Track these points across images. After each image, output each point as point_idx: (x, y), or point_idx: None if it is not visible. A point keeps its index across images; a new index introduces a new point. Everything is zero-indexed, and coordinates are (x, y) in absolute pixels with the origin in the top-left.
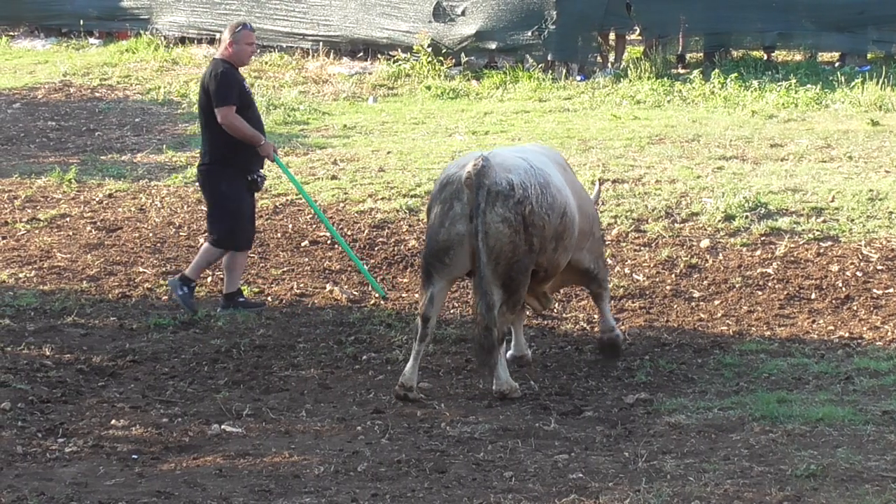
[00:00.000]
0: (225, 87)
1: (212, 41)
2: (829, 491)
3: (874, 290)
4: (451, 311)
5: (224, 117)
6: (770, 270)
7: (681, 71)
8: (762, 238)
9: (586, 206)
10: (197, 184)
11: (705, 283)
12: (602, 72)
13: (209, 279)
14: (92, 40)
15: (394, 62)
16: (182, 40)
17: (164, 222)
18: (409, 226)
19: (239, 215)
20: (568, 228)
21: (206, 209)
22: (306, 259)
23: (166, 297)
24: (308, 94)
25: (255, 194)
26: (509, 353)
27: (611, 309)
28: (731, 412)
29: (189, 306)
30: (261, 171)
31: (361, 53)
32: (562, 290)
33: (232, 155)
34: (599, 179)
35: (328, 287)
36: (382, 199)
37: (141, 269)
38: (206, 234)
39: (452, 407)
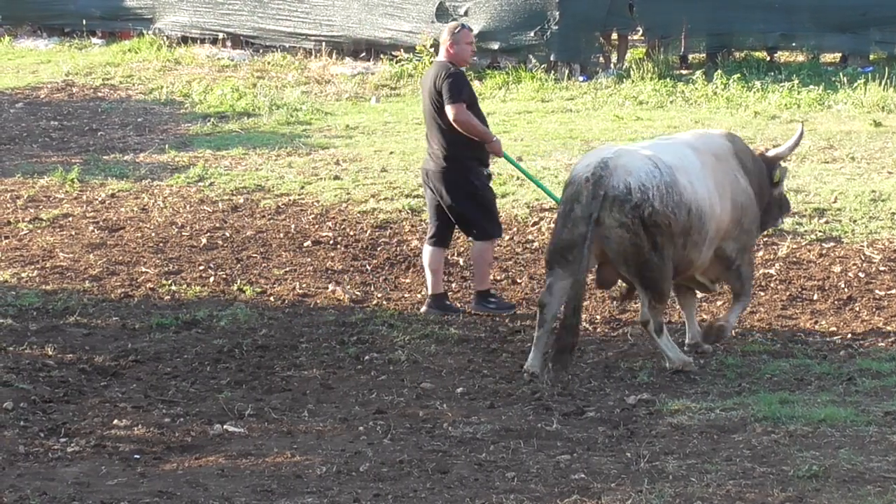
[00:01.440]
0: (457, 85)
1: (214, 41)
2: (832, 492)
3: (876, 291)
4: (454, 312)
5: (457, 114)
6: (772, 271)
7: (683, 72)
8: (764, 239)
9: (738, 198)
10: (429, 183)
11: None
12: (605, 72)
13: (211, 279)
14: (94, 40)
15: (396, 62)
16: (184, 40)
17: (167, 222)
18: (412, 226)
19: (493, 204)
20: (695, 225)
21: (457, 212)
22: (309, 259)
23: (168, 297)
24: (311, 95)
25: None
26: (687, 341)
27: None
28: (733, 413)
29: (506, 308)
30: (488, 170)
31: (364, 54)
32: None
33: (468, 151)
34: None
35: (330, 287)
36: (385, 199)
37: (143, 269)
38: (471, 235)
39: (455, 407)
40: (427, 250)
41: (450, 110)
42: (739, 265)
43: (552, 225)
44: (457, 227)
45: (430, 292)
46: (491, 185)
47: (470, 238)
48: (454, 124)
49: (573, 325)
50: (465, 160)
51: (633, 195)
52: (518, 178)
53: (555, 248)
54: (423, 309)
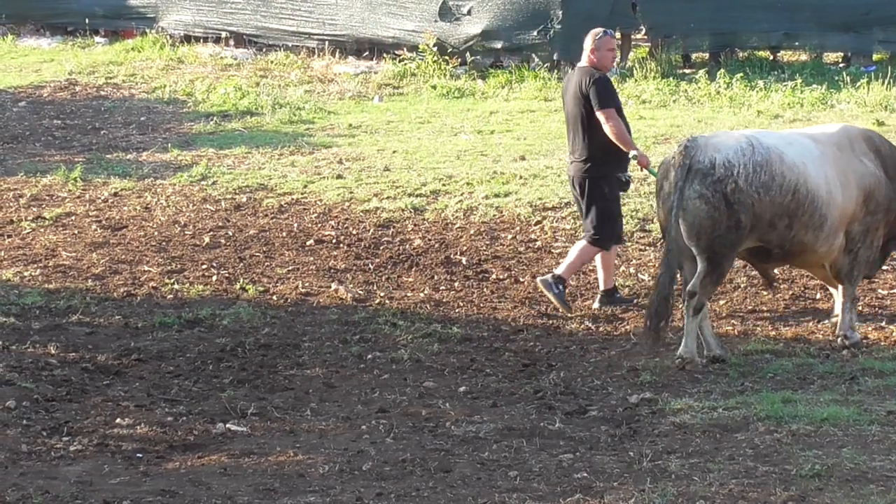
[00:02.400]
0: (606, 91)
1: (217, 40)
2: (834, 491)
3: (879, 291)
4: (457, 311)
5: (608, 119)
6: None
7: (686, 71)
8: None
9: (865, 181)
10: (574, 184)
11: None
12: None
13: (214, 278)
14: (97, 39)
15: (399, 61)
16: (188, 39)
17: (170, 221)
18: (415, 225)
19: (617, 215)
20: (803, 205)
21: (585, 209)
22: (311, 258)
23: (171, 296)
24: (313, 94)
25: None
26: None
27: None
28: (735, 412)
29: (564, 304)
30: (629, 171)
31: (367, 53)
32: (565, 290)
33: (608, 155)
34: None
35: (333, 286)
36: (388, 198)
37: (146, 268)
38: (585, 232)
39: (457, 406)
40: (580, 244)
41: (601, 115)
42: (859, 248)
43: (555, 224)
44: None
45: (602, 288)
46: (623, 192)
47: (582, 236)
48: (606, 129)
49: (664, 297)
50: (603, 164)
51: (717, 170)
52: (521, 178)
53: (660, 227)
54: (595, 305)
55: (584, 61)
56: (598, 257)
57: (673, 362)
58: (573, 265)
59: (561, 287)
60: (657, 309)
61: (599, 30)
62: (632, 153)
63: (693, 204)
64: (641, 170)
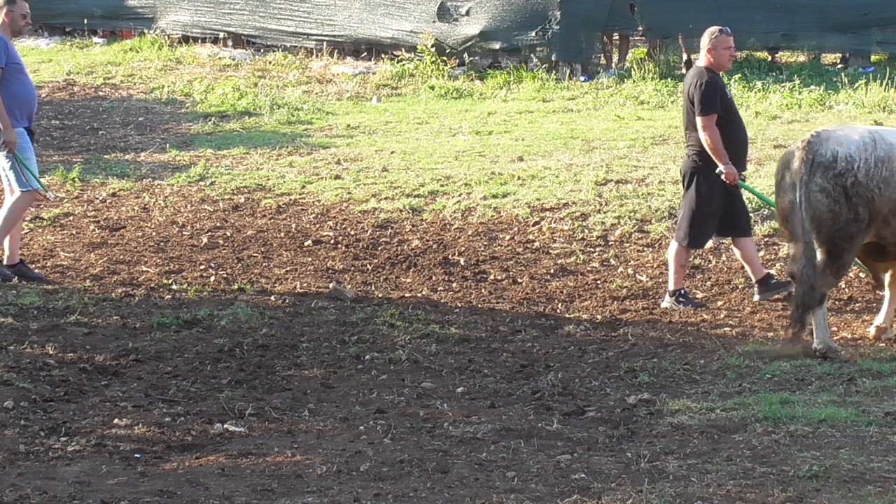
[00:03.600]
0: (708, 96)
1: (215, 40)
2: (832, 492)
3: (877, 291)
4: (455, 312)
5: (704, 127)
6: (773, 271)
7: (684, 71)
8: (765, 239)
9: None
10: (682, 177)
11: (708, 283)
12: (606, 72)
13: (212, 278)
14: (96, 39)
15: (397, 62)
16: (186, 39)
17: (168, 221)
18: (413, 225)
19: (709, 217)
20: None
21: (683, 205)
22: (309, 258)
23: (169, 297)
24: (312, 94)
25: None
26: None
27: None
28: (733, 413)
29: (698, 306)
30: (743, 172)
31: (365, 53)
32: (563, 291)
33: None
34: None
35: (331, 286)
36: (386, 198)
37: (144, 268)
38: (675, 232)
39: (455, 407)
40: (735, 243)
41: (700, 121)
42: None
43: (554, 225)
44: None
45: (754, 280)
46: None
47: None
48: (701, 135)
49: (810, 286)
50: (711, 163)
51: (839, 164)
52: (519, 178)
53: (779, 218)
54: (756, 297)
55: (701, 60)
56: (670, 255)
57: (814, 356)
58: (677, 273)
59: (682, 298)
60: (803, 299)
61: (716, 28)
62: (720, 167)
63: (815, 197)
64: (730, 184)
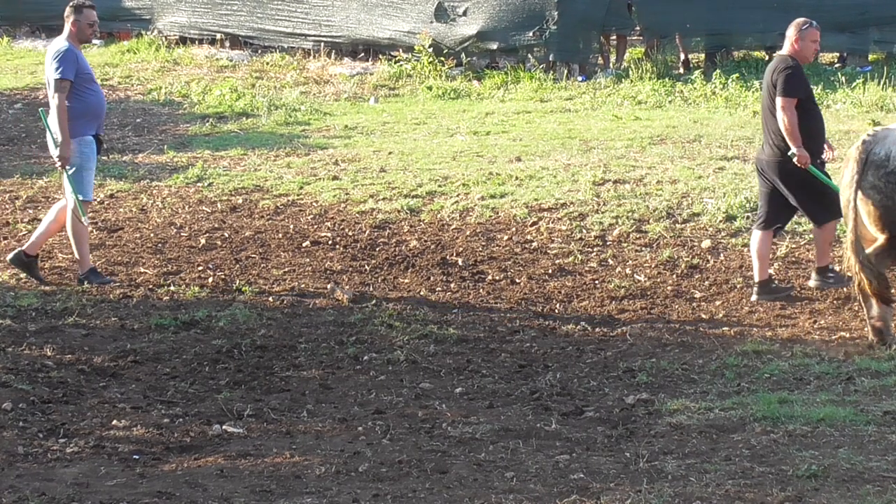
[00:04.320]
0: (791, 80)
1: (213, 41)
2: (831, 491)
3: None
4: (453, 313)
5: (784, 108)
6: (771, 271)
7: (682, 71)
8: None
9: None
10: (764, 171)
11: (706, 283)
12: (603, 72)
13: (210, 279)
14: (93, 41)
15: (395, 62)
16: (183, 40)
17: (166, 223)
18: (411, 226)
19: (824, 189)
20: None
21: (795, 200)
22: (307, 259)
23: (167, 298)
24: (309, 95)
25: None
26: None
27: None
28: (732, 413)
29: (843, 282)
30: (823, 156)
31: (363, 54)
32: (561, 291)
33: (804, 143)
34: None
35: (329, 287)
36: (384, 199)
37: (142, 270)
38: (809, 219)
39: (454, 407)
40: (755, 235)
41: (779, 102)
42: None
43: (552, 225)
44: None
45: (756, 279)
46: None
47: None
48: (778, 115)
49: (880, 274)
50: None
51: (891, 163)
52: (516, 179)
53: (843, 210)
54: (753, 297)
55: (784, 49)
56: (753, 245)
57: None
58: (823, 251)
59: (830, 274)
60: (879, 284)
61: (804, 20)
62: (793, 149)
63: (868, 194)
64: (802, 167)
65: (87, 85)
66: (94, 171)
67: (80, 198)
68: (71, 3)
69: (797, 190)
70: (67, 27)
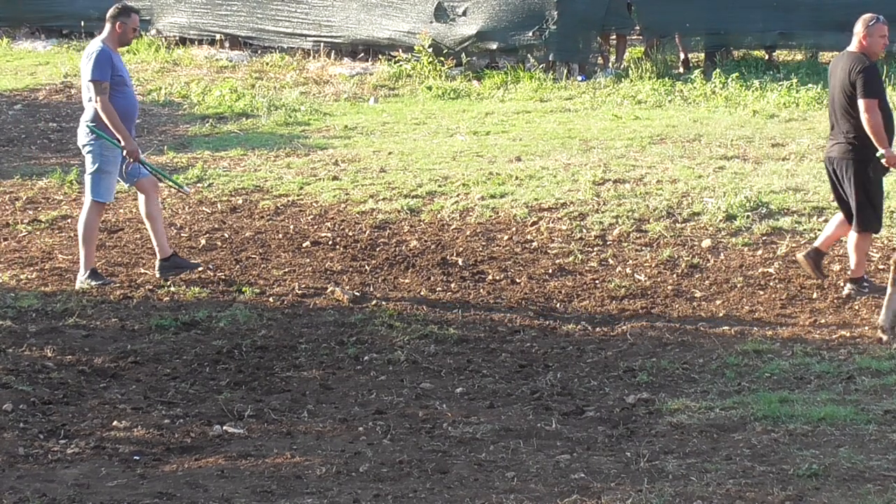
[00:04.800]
0: (872, 80)
1: (212, 42)
2: (832, 490)
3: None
4: (453, 312)
5: (868, 109)
6: (772, 270)
7: (682, 71)
8: (764, 238)
9: None
10: (834, 167)
11: (707, 282)
12: (603, 72)
13: (211, 280)
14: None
15: (395, 63)
16: (183, 41)
17: (166, 223)
18: (411, 226)
19: (879, 199)
20: None
21: (849, 197)
22: (308, 260)
23: (167, 298)
24: (309, 95)
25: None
26: None
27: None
28: (732, 412)
29: (876, 291)
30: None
31: (362, 54)
32: (562, 291)
33: (871, 143)
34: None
35: (330, 288)
36: (384, 199)
37: (142, 271)
38: (851, 223)
39: (454, 407)
40: (852, 236)
41: (862, 104)
42: None
43: (552, 224)
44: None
45: (854, 275)
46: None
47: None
48: (863, 119)
49: None
50: (870, 149)
51: None
52: (516, 178)
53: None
54: (845, 291)
55: (853, 46)
56: (850, 244)
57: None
58: (860, 261)
59: (864, 285)
60: None
61: (872, 15)
62: (881, 151)
63: None
64: (889, 168)
65: (119, 87)
66: (116, 175)
67: (94, 199)
68: (117, 5)
69: (860, 190)
70: (109, 28)
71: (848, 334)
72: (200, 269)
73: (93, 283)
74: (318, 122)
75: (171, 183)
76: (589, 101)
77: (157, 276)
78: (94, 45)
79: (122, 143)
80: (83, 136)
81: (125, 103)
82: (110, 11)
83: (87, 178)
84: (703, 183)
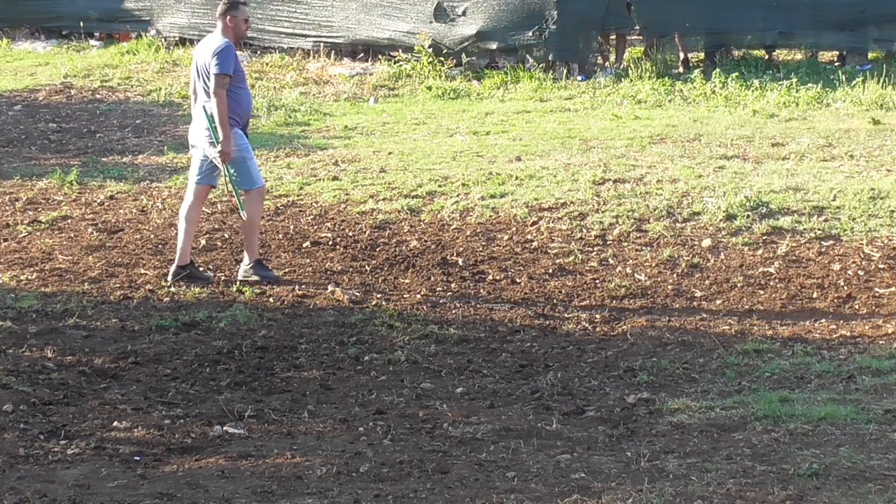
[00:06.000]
0: None
1: None
2: (832, 490)
3: (876, 289)
4: (453, 313)
5: None
6: (772, 270)
7: (681, 70)
8: (764, 237)
9: None
10: None
11: (707, 282)
12: (603, 72)
13: (215, 281)
14: (93, 42)
15: (395, 63)
16: (182, 41)
17: (166, 224)
18: (411, 226)
19: None
20: None
21: None
22: (308, 260)
23: (168, 299)
24: (309, 95)
25: None
26: None
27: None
28: (733, 412)
29: None
30: None
31: (362, 54)
32: (562, 291)
33: None
34: None
35: (330, 288)
36: (384, 199)
37: (142, 271)
38: None
39: (454, 407)
40: None
41: None
42: None
43: (552, 224)
44: None
45: None
46: None
47: None
48: None
49: None
50: None
51: None
52: (517, 178)
53: None
54: None
55: None
56: None
57: None
58: None
59: None
60: None
61: None
62: None
63: None
64: None
65: (239, 83)
66: (255, 159)
67: (248, 188)
68: (225, 1)
69: None
70: (222, 24)
71: (848, 334)
72: (213, 283)
73: (260, 275)
74: (318, 122)
75: (237, 200)
76: (589, 101)
77: (169, 279)
78: (216, 39)
79: (221, 140)
80: (206, 136)
81: (245, 98)
82: (220, 8)
83: (231, 175)
84: (703, 183)
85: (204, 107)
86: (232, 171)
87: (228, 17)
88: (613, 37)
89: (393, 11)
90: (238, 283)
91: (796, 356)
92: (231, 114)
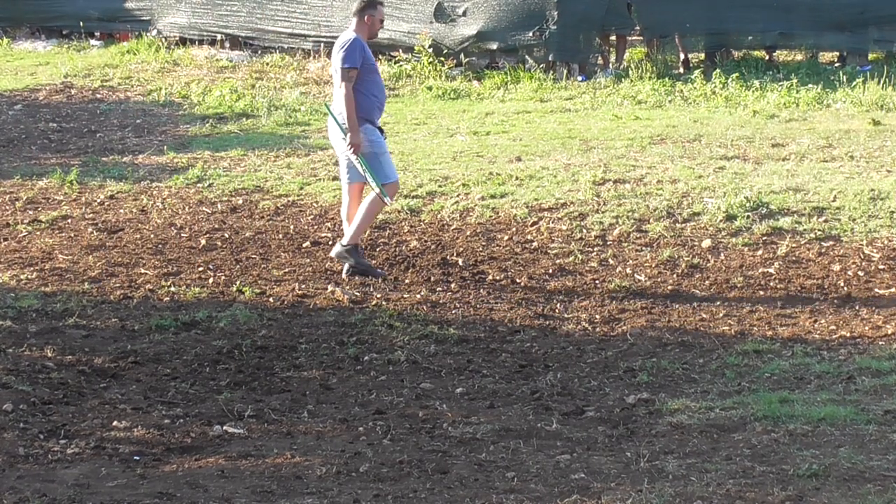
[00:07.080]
0: None
1: (212, 42)
2: (832, 491)
3: (876, 290)
4: (453, 313)
5: None
6: (772, 270)
7: (682, 71)
8: (764, 238)
9: None
10: None
11: (707, 283)
12: (603, 72)
13: (211, 280)
14: (93, 42)
15: (395, 63)
16: (183, 41)
17: (166, 223)
18: (411, 226)
19: None
20: None
21: None
22: (308, 260)
23: (168, 298)
24: (309, 96)
25: None
26: None
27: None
28: (733, 412)
29: None
30: None
31: None
32: (562, 291)
33: None
34: None
35: (330, 288)
36: None
37: (143, 271)
38: None
39: (454, 407)
40: None
41: None
42: None
43: (552, 224)
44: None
45: None
46: None
47: None
48: None
49: None
50: None
51: None
52: (517, 178)
53: None
54: None
55: None
56: None
57: None
58: None
59: None
60: None
61: None
62: None
63: None
64: None
65: (371, 75)
66: (389, 154)
67: (382, 182)
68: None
69: None
70: (358, 20)
71: (848, 334)
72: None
73: (351, 261)
74: (319, 122)
75: (375, 187)
76: (589, 102)
77: (343, 276)
78: (348, 35)
79: (349, 133)
80: (340, 135)
81: (376, 90)
82: (356, 6)
83: (365, 169)
84: (704, 183)
85: (326, 104)
86: (366, 163)
87: (366, 16)
88: (614, 37)
89: (393, 11)
90: (331, 258)
91: (796, 357)
92: (361, 111)
